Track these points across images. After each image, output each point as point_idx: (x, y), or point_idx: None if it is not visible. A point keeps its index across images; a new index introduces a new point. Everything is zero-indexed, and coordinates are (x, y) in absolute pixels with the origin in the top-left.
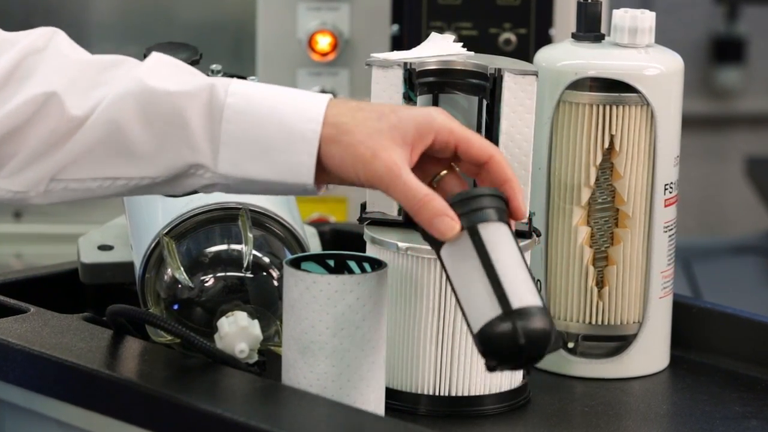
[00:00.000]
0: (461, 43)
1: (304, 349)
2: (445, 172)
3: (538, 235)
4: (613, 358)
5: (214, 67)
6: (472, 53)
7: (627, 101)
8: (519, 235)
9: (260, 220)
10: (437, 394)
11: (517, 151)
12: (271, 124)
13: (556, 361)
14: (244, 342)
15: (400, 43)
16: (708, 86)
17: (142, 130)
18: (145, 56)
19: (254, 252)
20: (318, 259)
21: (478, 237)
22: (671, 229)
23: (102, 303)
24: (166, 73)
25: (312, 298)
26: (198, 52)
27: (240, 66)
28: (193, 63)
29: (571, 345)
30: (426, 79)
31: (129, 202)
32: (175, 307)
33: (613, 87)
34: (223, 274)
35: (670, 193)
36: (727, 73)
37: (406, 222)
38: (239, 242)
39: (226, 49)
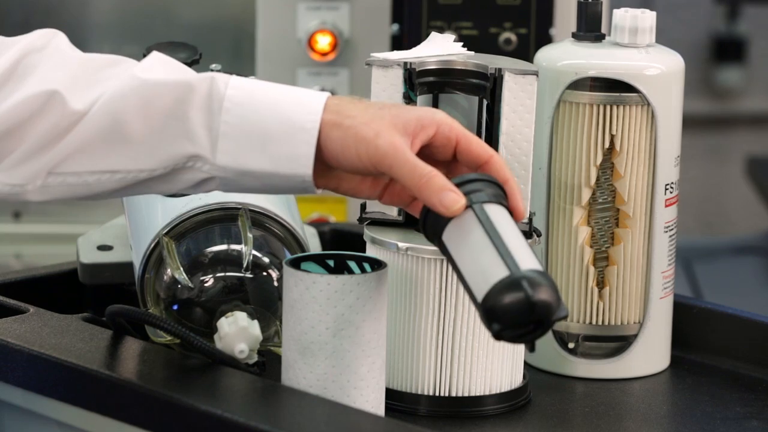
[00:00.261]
0: (461, 43)
1: (303, 349)
2: None
3: (539, 235)
4: (613, 358)
5: (213, 66)
6: (472, 53)
7: (627, 101)
8: None
9: (260, 220)
10: (437, 394)
11: (517, 151)
12: (270, 116)
13: (556, 362)
14: (244, 342)
15: (400, 42)
16: (709, 86)
17: (141, 121)
18: (144, 56)
19: (254, 252)
20: (318, 260)
21: (483, 211)
22: (672, 229)
23: (101, 303)
24: (165, 69)
25: (312, 298)
26: (198, 51)
27: (240, 66)
28: (193, 63)
29: (571, 345)
30: (426, 79)
31: (128, 202)
32: (175, 307)
33: (614, 87)
34: (222, 274)
35: (671, 193)
36: (727, 73)
37: (406, 222)
38: (239, 242)
39: (225, 49)
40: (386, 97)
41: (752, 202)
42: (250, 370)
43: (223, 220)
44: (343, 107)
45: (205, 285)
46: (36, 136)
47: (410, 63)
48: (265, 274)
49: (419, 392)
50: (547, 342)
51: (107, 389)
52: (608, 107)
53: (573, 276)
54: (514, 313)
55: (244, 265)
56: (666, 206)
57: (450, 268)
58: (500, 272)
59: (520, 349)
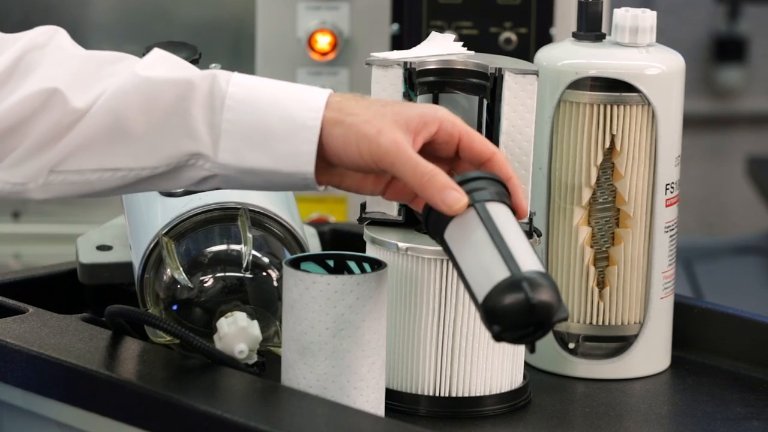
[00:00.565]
0: (461, 43)
1: (303, 349)
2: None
3: (539, 235)
4: (614, 358)
5: (213, 66)
6: (472, 53)
7: (628, 101)
8: None
9: (259, 220)
10: (437, 394)
11: (517, 150)
12: (272, 113)
13: (556, 362)
14: (244, 342)
15: (400, 42)
16: (709, 86)
17: (142, 119)
18: (144, 55)
19: (253, 252)
20: (318, 260)
21: (485, 210)
22: (672, 229)
23: (101, 303)
24: (166, 65)
25: (311, 298)
26: (197, 51)
27: (239, 65)
28: (193, 62)
29: (572, 345)
30: (426, 79)
31: (128, 202)
32: (174, 307)
33: (614, 86)
34: (222, 274)
35: (671, 192)
36: (728, 73)
37: (406, 222)
38: (238, 242)
39: (225, 49)
40: (386, 97)
41: (753, 202)
42: (249, 371)
43: (223, 220)
44: (344, 104)
45: (205, 285)
46: (37, 135)
47: (410, 63)
48: (264, 274)
49: (419, 392)
50: (547, 342)
51: (107, 389)
52: (609, 107)
53: (573, 276)
54: (514, 315)
55: (244, 265)
56: (666, 206)
57: (450, 267)
58: (501, 273)
59: (521, 349)
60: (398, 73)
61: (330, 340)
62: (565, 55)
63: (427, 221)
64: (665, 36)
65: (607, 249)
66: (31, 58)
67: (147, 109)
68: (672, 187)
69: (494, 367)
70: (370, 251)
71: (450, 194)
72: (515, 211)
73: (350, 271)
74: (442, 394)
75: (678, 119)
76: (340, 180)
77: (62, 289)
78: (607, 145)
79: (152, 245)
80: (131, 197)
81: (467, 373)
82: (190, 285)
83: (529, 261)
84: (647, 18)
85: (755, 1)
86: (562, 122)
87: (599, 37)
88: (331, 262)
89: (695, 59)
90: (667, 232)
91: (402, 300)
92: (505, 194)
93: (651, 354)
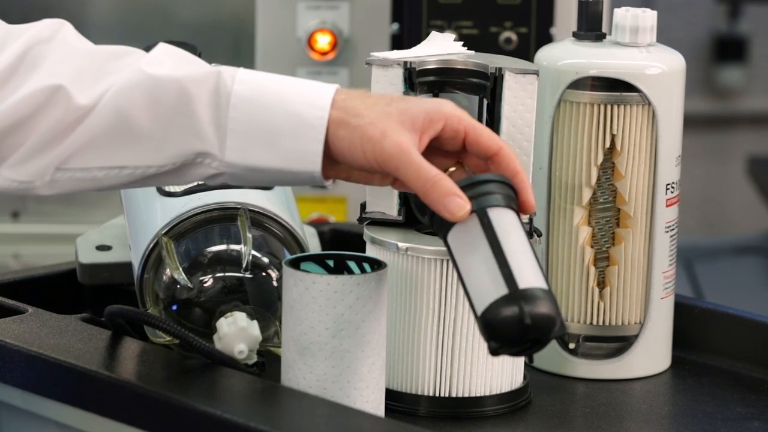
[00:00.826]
0: (462, 42)
1: (303, 349)
2: (453, 169)
3: (539, 235)
4: (614, 358)
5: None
6: (472, 52)
7: (628, 100)
8: None
9: (259, 220)
10: (437, 395)
11: (517, 150)
12: (278, 111)
13: (557, 362)
14: (243, 343)
15: (400, 42)
16: (710, 85)
17: (148, 117)
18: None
19: (253, 252)
20: (317, 260)
21: (487, 219)
22: (673, 229)
23: (100, 303)
24: (172, 61)
25: (311, 298)
26: (197, 50)
27: (239, 65)
28: None
29: (572, 346)
30: (426, 78)
31: (127, 202)
32: (174, 307)
33: (615, 86)
34: (222, 274)
35: (672, 192)
36: (728, 73)
37: (407, 222)
38: (238, 242)
39: (225, 48)
40: None
41: (753, 202)
42: (249, 371)
43: (223, 220)
44: (350, 104)
45: (205, 285)
46: (41, 132)
47: (410, 62)
48: (264, 274)
49: (419, 393)
50: None
51: (106, 390)
52: (609, 107)
53: (573, 276)
54: (510, 334)
55: (244, 265)
56: (667, 206)
57: (450, 267)
58: (499, 289)
59: None
60: (398, 73)
61: (330, 341)
62: (566, 54)
63: (432, 219)
64: (666, 36)
65: (608, 249)
66: (37, 53)
67: (152, 108)
68: (672, 187)
69: (494, 368)
70: (370, 251)
71: (453, 201)
72: (522, 208)
73: (350, 271)
74: (442, 395)
75: (678, 119)
76: (347, 174)
77: (62, 289)
78: (608, 144)
79: (152, 245)
80: (131, 197)
81: (467, 374)
82: (189, 285)
83: (528, 275)
84: (647, 18)
85: (756, 1)
86: (562, 122)
87: (599, 37)
88: (331, 262)
89: (696, 59)
90: (667, 232)
91: (402, 300)
92: (511, 196)
93: (651, 354)
